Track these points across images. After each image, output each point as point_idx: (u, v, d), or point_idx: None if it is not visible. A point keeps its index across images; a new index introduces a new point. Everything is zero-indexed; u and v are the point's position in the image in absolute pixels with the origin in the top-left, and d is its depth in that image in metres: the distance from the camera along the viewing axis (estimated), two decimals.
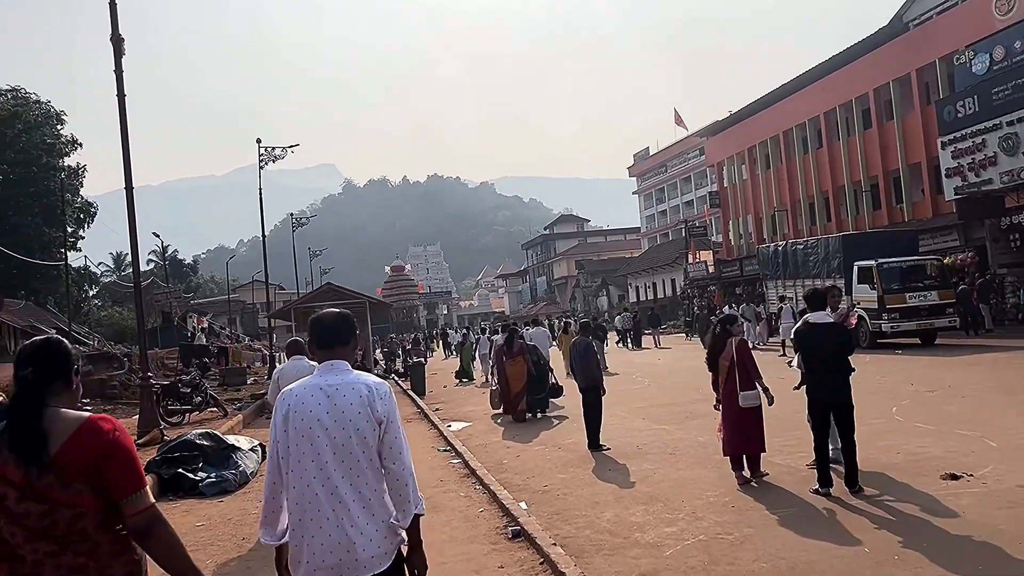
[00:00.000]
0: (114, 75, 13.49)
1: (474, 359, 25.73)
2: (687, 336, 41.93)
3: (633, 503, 7.88)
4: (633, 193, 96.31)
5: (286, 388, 3.21)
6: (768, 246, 30.67)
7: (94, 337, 44.91)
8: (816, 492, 7.31)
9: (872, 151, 35.68)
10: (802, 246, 27.05)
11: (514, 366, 14.46)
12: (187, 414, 16.90)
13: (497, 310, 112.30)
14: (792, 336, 7.86)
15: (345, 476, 2.96)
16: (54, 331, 43.58)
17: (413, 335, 53.53)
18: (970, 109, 27.89)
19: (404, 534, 3.08)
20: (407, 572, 3.11)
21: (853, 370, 7.62)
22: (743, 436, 8.15)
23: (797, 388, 7.88)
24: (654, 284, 67.84)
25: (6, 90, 49.83)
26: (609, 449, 10.88)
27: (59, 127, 50.09)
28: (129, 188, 13.51)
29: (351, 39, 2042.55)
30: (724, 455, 8.41)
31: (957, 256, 27.63)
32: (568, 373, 16.24)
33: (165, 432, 13.65)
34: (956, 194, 28.72)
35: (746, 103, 46.29)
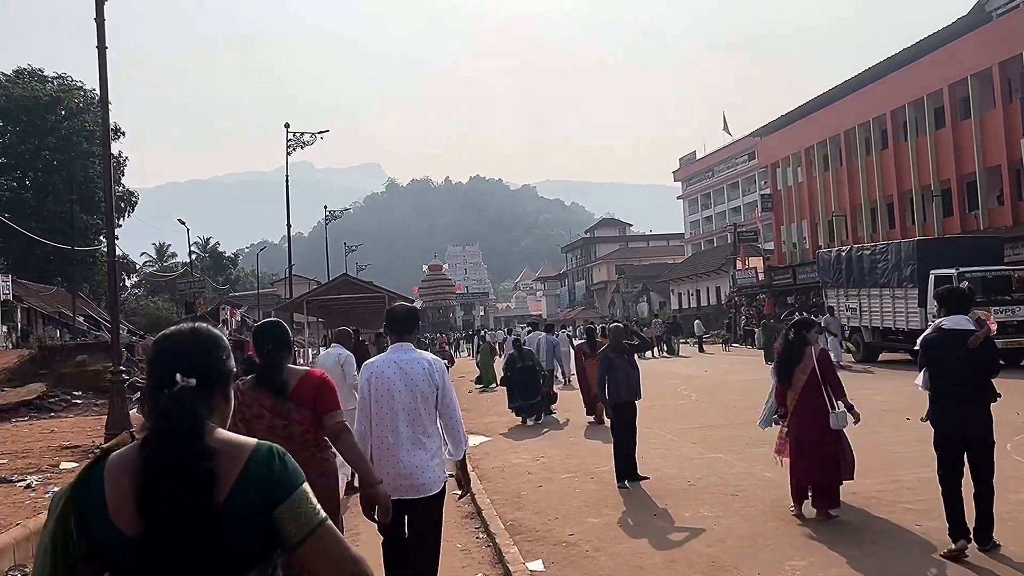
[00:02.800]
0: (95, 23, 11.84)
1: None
2: (724, 346, 39.49)
3: (691, 573, 5.75)
4: (678, 198, 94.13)
5: (369, 361, 4.61)
6: (830, 251, 28.11)
7: (124, 326, 44.27)
8: (950, 555, 5.60)
9: (944, 153, 32.88)
10: (869, 252, 24.51)
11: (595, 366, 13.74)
12: None
13: (534, 313, 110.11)
14: (918, 346, 6.01)
15: (409, 425, 4.26)
16: (81, 318, 43.15)
17: (428, 335, 50.85)
18: None
19: (450, 467, 4.48)
20: (458, 487, 4.64)
21: (997, 397, 5.75)
22: (815, 463, 6.91)
23: (926, 419, 5.94)
24: (697, 291, 65.44)
25: (53, 77, 49.87)
26: (648, 479, 8.76)
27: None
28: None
29: (398, 44, 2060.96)
30: (796, 485, 7.14)
31: None
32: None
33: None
34: None
35: (803, 101, 43.58)
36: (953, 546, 5.60)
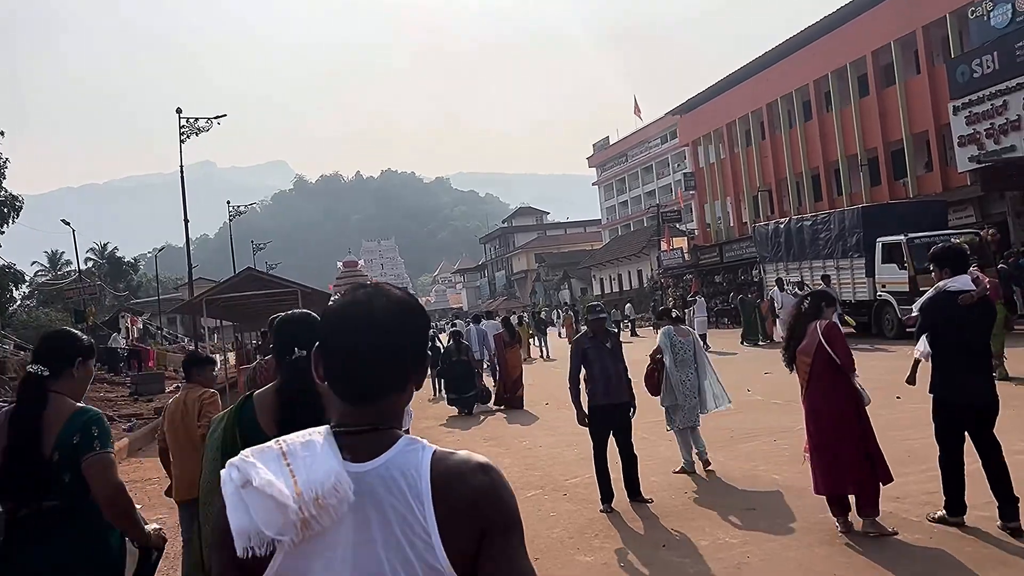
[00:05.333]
0: None
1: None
2: (656, 329, 38.64)
3: None
4: (593, 184, 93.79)
5: None
6: (767, 224, 27.12)
7: (11, 340, 40.44)
8: (939, 520, 5.49)
9: (870, 121, 32.36)
10: (810, 222, 23.53)
11: (513, 355, 15.30)
12: None
13: (455, 306, 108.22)
14: (917, 310, 5.71)
15: None
16: None
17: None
18: (988, 67, 24.74)
19: None
20: None
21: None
22: (843, 465, 5.57)
23: (911, 381, 5.95)
24: (619, 275, 64.88)
25: None
26: (651, 502, 7.01)
27: None
28: None
29: (296, 33, 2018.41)
30: (817, 493, 5.78)
31: (988, 231, 24.35)
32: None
33: None
34: (971, 164, 25.56)
35: (722, 76, 42.82)
36: (949, 518, 5.44)
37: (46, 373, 3.00)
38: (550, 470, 8.80)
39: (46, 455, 2.86)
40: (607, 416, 6.99)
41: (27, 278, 66.29)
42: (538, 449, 10.38)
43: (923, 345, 5.60)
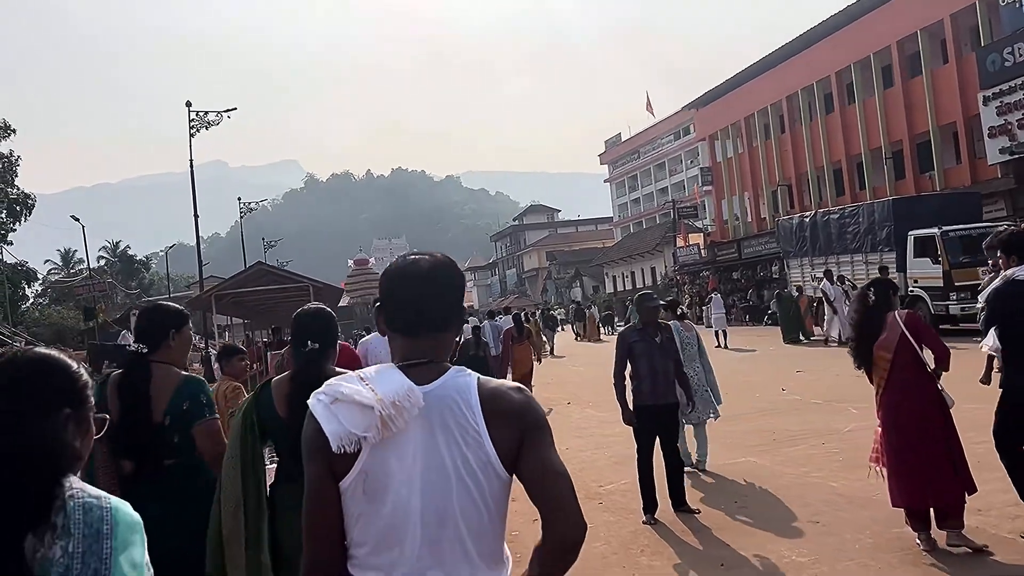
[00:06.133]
0: None
1: None
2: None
3: None
4: (605, 181, 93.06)
5: (365, 339, 6.49)
6: (791, 218, 26.33)
7: (22, 337, 40.18)
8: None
9: (895, 113, 31.50)
10: (837, 215, 22.77)
11: (522, 350, 15.10)
12: None
13: (466, 304, 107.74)
14: (983, 301, 5.29)
15: None
16: None
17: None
18: (1021, 55, 24.13)
19: None
20: None
21: None
22: (928, 475, 4.90)
23: (986, 381, 5.30)
24: (632, 273, 64.19)
25: None
26: (699, 512, 6.35)
27: None
28: None
29: (307, 33, 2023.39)
30: (895, 505, 5.12)
31: (1023, 225, 23.54)
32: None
33: None
34: (1003, 156, 24.77)
35: (740, 69, 41.98)
36: None
37: (145, 350, 3.35)
38: (581, 476, 8.14)
39: (157, 420, 3.25)
40: (653, 418, 6.33)
41: (40, 276, 66.45)
42: (565, 453, 9.70)
43: (991, 339, 5.04)
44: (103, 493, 1.49)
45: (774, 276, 33.73)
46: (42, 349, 1.62)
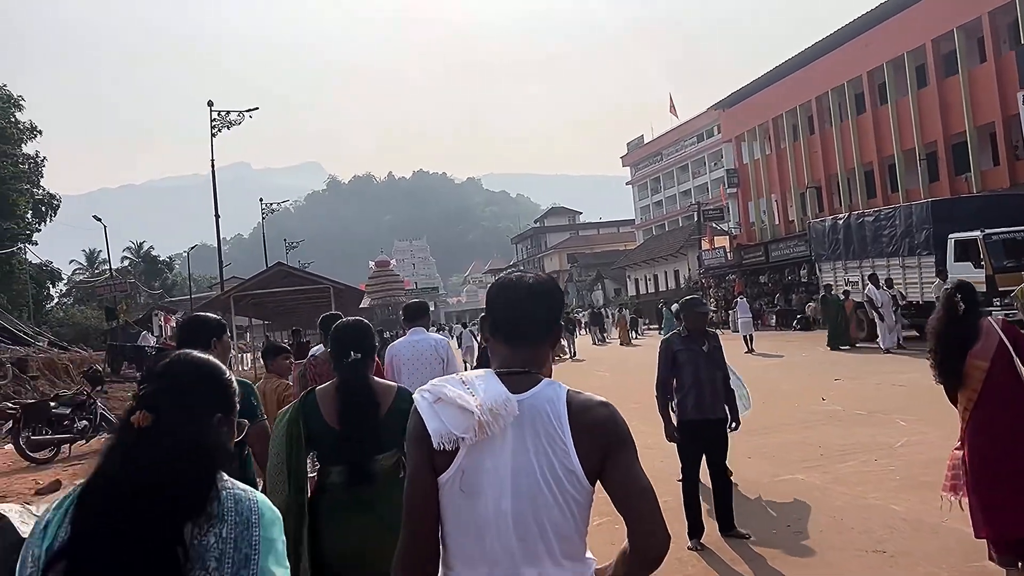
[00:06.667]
0: None
1: None
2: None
3: None
4: (627, 183, 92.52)
5: (392, 344, 6.29)
6: (823, 220, 25.66)
7: (46, 338, 40.23)
8: None
9: (929, 114, 30.65)
10: (872, 218, 22.09)
11: None
12: (62, 446, 11.86)
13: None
14: None
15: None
16: None
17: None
18: None
19: None
20: None
21: None
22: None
23: None
24: (655, 276, 63.49)
25: None
26: (750, 537, 5.83)
27: (16, 112, 45.59)
28: None
29: (330, 37, 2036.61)
30: (979, 536, 4.57)
31: None
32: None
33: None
34: None
35: (767, 69, 41.23)
36: None
37: None
38: None
39: None
40: (699, 434, 5.83)
41: (64, 276, 66.93)
42: None
43: None
44: (249, 487, 1.63)
45: (803, 280, 33.03)
46: (198, 354, 1.79)
